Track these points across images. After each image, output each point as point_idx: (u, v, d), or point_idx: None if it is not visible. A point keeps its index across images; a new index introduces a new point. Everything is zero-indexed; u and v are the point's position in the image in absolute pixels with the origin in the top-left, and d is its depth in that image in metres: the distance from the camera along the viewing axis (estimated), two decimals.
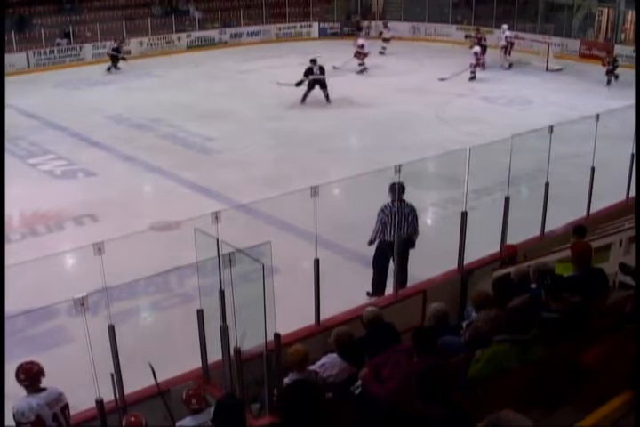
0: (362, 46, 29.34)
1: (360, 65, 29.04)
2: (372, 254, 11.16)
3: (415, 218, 10.89)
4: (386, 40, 33.00)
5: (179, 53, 33.09)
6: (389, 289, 9.96)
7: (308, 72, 23.48)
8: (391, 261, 10.42)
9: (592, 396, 5.16)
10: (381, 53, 32.11)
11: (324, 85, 23.53)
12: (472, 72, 27.08)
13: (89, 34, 31.88)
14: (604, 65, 26.57)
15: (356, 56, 29.26)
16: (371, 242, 10.97)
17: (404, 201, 10.72)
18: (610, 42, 30.98)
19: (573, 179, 13.37)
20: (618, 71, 26.02)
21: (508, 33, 29.76)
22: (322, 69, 23.69)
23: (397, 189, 10.18)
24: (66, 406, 6.83)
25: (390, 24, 34.39)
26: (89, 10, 33.33)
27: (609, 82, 26.04)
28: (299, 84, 23.41)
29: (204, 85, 26.23)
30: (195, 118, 21.79)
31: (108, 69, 29.20)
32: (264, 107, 23.17)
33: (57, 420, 6.69)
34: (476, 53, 27.31)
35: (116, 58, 29.50)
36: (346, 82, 26.96)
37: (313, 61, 23.68)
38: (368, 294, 10.90)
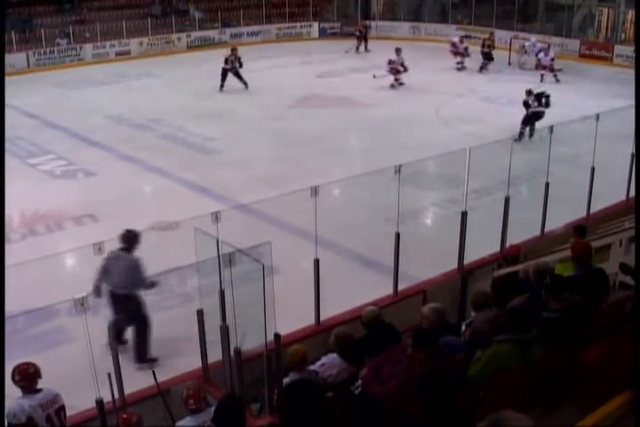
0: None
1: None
2: (369, 255, 11.16)
3: (132, 271, 9.33)
4: (397, 71, 26.35)
5: (179, 53, 33.09)
6: (388, 290, 9.94)
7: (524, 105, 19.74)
8: None
9: (592, 396, 5.16)
10: (393, 87, 26.26)
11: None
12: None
13: (88, 34, 31.86)
14: None
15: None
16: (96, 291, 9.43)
17: (129, 251, 9.39)
18: (610, 42, 30.99)
19: (573, 179, 13.37)
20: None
21: (539, 45, 28.69)
22: (539, 98, 19.64)
23: (126, 238, 9.38)
24: (62, 408, 6.82)
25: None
26: (89, 10, 33.35)
27: None
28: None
29: (204, 85, 26.19)
30: (195, 118, 21.79)
31: None
32: (264, 107, 23.17)
33: (51, 421, 6.68)
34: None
35: None
36: (345, 82, 26.97)
37: (529, 93, 19.70)
38: None
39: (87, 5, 33.49)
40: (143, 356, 9.40)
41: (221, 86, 25.67)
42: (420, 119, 21.53)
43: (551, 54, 27.31)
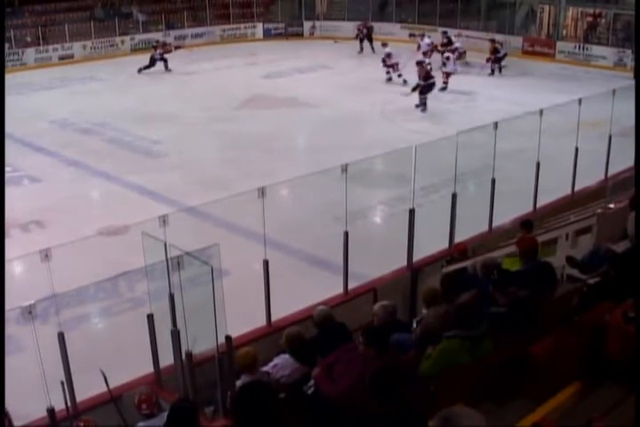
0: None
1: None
2: (319, 255, 11.15)
3: None
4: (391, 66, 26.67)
5: (123, 56, 32.73)
6: (338, 289, 9.96)
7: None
8: None
9: (542, 388, 5.22)
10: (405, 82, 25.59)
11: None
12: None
13: (30, 38, 31.39)
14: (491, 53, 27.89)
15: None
16: None
17: None
18: (552, 38, 31.33)
19: (519, 174, 13.50)
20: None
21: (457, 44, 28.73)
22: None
23: None
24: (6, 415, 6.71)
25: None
26: (30, 13, 32.84)
27: (492, 71, 27.52)
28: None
29: (150, 88, 26.04)
30: (140, 122, 21.55)
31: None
32: (210, 109, 23.02)
33: None
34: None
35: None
36: (290, 82, 26.96)
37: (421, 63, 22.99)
38: None
39: (28, 9, 32.99)
40: None
41: (140, 70, 28.43)
42: (366, 118, 21.60)
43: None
